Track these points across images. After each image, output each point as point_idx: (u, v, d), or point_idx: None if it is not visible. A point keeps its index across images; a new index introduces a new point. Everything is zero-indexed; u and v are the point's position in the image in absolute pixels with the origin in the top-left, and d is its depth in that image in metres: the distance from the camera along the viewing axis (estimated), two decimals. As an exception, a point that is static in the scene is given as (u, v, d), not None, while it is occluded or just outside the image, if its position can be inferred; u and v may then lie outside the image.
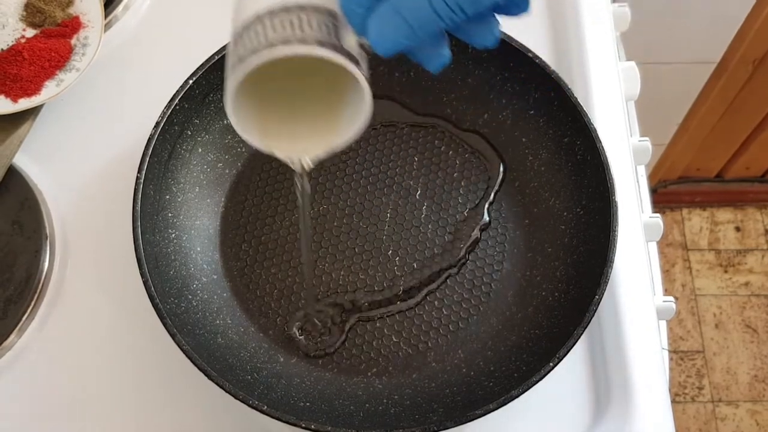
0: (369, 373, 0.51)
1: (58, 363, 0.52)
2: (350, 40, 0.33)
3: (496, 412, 0.44)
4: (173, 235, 0.52)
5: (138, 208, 0.49)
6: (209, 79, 0.53)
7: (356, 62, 0.32)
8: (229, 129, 0.56)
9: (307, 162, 0.39)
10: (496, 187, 0.56)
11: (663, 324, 0.59)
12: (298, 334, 0.52)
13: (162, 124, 0.51)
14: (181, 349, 0.45)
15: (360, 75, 0.32)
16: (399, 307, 0.52)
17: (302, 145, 0.38)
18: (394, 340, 0.51)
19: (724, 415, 1.32)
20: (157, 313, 0.46)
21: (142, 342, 0.52)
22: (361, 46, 0.33)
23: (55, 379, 0.52)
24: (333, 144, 0.37)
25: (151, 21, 0.64)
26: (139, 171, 0.49)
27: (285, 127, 0.38)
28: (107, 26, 0.62)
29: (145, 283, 0.46)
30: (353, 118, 0.35)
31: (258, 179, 0.56)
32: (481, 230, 0.55)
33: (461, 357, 0.51)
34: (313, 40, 0.31)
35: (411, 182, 0.56)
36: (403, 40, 0.31)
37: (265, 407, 0.44)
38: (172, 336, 0.45)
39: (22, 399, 0.51)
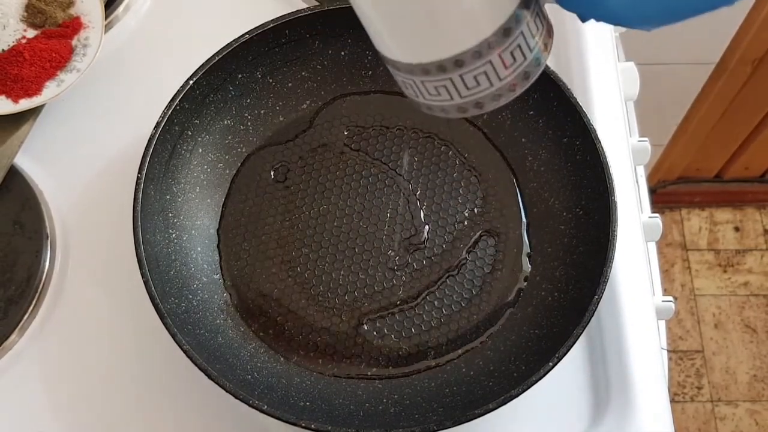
0: (369, 373, 0.51)
1: (58, 363, 0.52)
2: None
3: (495, 411, 0.44)
4: (173, 235, 0.52)
5: (138, 208, 0.49)
6: (209, 79, 0.53)
7: None
8: (230, 129, 0.56)
9: None
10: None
11: (662, 324, 0.59)
12: (298, 333, 0.52)
13: (162, 124, 0.51)
14: (182, 349, 0.45)
15: None
16: (399, 306, 0.52)
17: None
18: (394, 339, 0.52)
19: (723, 414, 1.33)
20: (157, 313, 0.46)
21: (142, 341, 0.52)
22: None
23: (55, 378, 0.52)
24: None
25: (152, 22, 0.64)
26: (140, 171, 0.50)
27: None
28: (108, 27, 0.62)
29: (145, 283, 0.47)
30: None
31: (258, 179, 0.56)
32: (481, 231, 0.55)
33: (461, 356, 0.51)
34: None
35: (411, 182, 0.56)
36: None
37: (266, 407, 0.44)
38: (173, 335, 0.45)
39: (22, 398, 0.51)
